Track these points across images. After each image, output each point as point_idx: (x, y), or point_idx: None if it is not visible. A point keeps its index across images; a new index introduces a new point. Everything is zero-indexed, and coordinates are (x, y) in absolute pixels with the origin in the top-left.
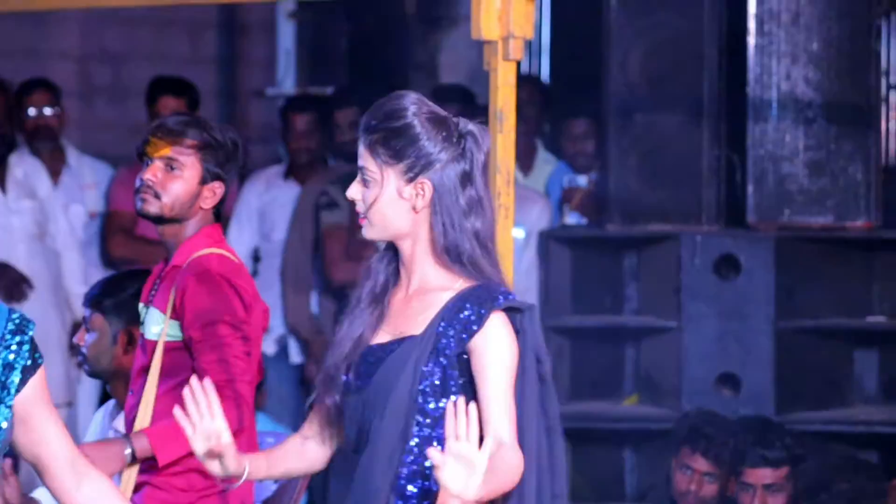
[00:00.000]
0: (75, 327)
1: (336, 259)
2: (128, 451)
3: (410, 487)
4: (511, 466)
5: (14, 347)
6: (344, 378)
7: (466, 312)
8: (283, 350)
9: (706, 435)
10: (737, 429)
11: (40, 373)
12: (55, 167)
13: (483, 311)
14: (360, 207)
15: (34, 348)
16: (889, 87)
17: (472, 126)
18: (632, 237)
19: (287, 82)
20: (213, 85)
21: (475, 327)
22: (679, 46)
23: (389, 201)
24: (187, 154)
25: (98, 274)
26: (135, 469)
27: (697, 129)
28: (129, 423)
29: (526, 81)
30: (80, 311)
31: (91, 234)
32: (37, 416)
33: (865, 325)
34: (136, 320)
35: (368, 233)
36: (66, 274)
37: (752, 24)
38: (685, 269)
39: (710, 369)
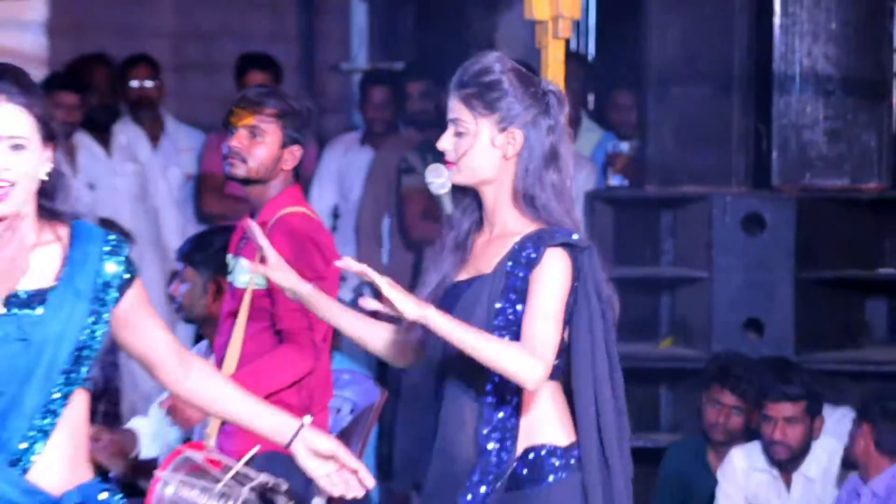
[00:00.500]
0: (173, 277)
1: (414, 219)
2: None
3: (500, 414)
4: (518, 361)
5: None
6: None
7: (528, 251)
8: (358, 297)
9: (734, 373)
10: (760, 368)
11: (137, 284)
12: (154, 134)
13: (541, 248)
14: (451, 157)
15: (129, 265)
16: None
17: (552, 86)
18: (668, 197)
19: (360, 58)
20: (293, 60)
21: (535, 263)
22: (711, 26)
23: (483, 149)
24: (268, 122)
25: (193, 229)
26: None
27: (728, 101)
28: (219, 362)
29: (572, 58)
30: (176, 264)
31: (186, 194)
32: (139, 320)
33: (876, 276)
34: (222, 271)
35: (457, 178)
36: (165, 229)
37: (777, 6)
38: (716, 226)
39: (737, 315)
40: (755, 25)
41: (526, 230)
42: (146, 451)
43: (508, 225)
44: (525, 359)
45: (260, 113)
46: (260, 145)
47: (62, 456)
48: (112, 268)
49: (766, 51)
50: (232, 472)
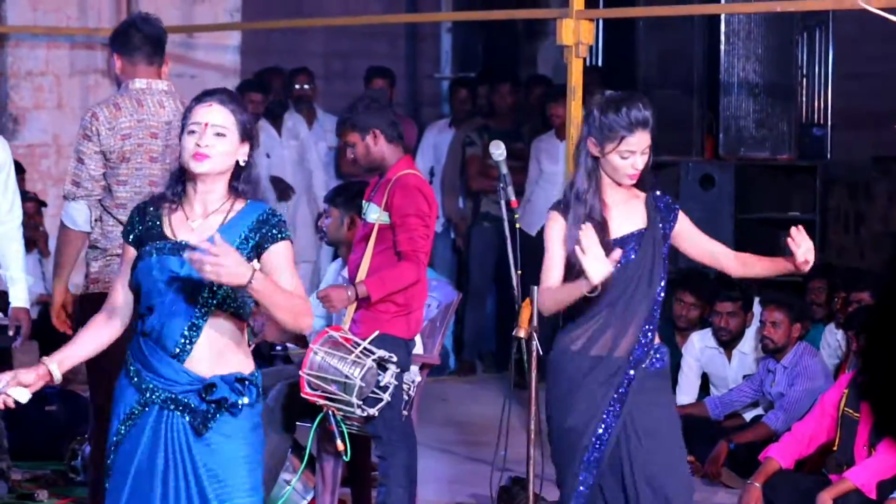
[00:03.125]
0: (319, 216)
1: (474, 175)
2: (350, 292)
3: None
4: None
5: (254, 229)
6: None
7: (664, 210)
8: (445, 230)
9: (692, 281)
10: (711, 278)
11: (280, 245)
12: (310, 120)
13: (675, 206)
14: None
15: (274, 229)
16: (802, 75)
17: None
18: (652, 164)
19: (447, 70)
20: (402, 71)
21: (674, 219)
22: (679, 49)
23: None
24: (350, 136)
25: (334, 183)
26: (353, 305)
27: (689, 99)
28: (352, 272)
29: (590, 70)
30: (322, 206)
31: (329, 159)
32: (268, 269)
33: (787, 216)
34: (356, 211)
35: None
36: (315, 184)
37: (723, 36)
38: (682, 183)
39: None
40: (708, 49)
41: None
42: None
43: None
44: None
45: (344, 135)
46: (352, 150)
47: (209, 354)
48: (254, 234)
49: (715, 66)
50: (360, 348)
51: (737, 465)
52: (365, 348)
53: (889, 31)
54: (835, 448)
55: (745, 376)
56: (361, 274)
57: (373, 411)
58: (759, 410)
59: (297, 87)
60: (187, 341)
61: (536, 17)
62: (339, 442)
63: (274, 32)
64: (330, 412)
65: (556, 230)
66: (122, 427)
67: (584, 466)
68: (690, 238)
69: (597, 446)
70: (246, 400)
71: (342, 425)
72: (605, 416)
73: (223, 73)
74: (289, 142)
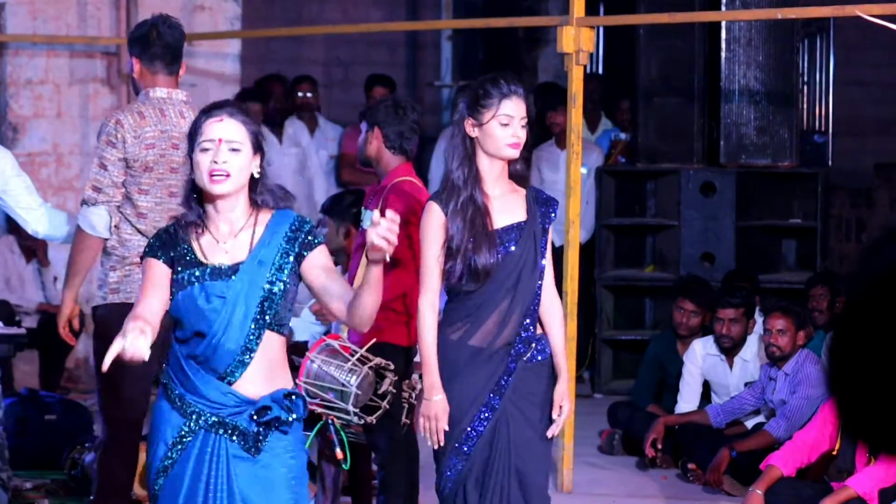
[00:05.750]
0: (317, 224)
1: None
2: None
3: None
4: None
5: (290, 240)
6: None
7: (544, 204)
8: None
9: (693, 289)
10: (712, 285)
11: (319, 249)
12: (311, 127)
13: (555, 200)
14: (520, 140)
15: (309, 236)
16: (804, 82)
17: None
18: (652, 171)
19: (446, 78)
20: (402, 79)
21: (553, 212)
22: (681, 57)
23: None
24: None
25: (334, 191)
26: None
27: (691, 107)
28: (350, 280)
29: (591, 77)
30: (319, 215)
31: (330, 168)
32: (316, 273)
33: (788, 224)
34: (351, 220)
35: (517, 151)
36: (316, 191)
37: (724, 44)
38: (683, 191)
39: (696, 250)
40: (709, 56)
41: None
42: (297, 336)
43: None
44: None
45: (360, 121)
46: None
47: (258, 376)
48: (293, 245)
49: (716, 73)
50: (357, 356)
51: (738, 472)
52: (362, 356)
53: (889, 38)
54: (836, 455)
55: (746, 384)
56: (358, 282)
57: (370, 419)
58: (760, 418)
59: (300, 94)
60: (240, 364)
61: (537, 25)
62: (338, 450)
63: (274, 41)
64: (330, 420)
65: (433, 224)
66: (172, 452)
67: (456, 452)
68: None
69: (472, 436)
70: (295, 416)
71: (342, 433)
72: (483, 409)
73: (223, 82)
74: (289, 149)
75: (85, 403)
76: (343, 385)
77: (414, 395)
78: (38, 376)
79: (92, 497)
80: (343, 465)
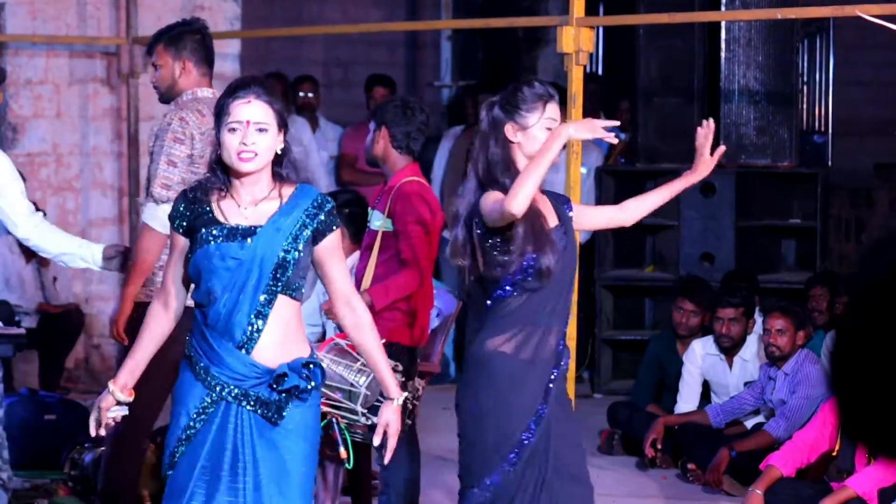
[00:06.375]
0: None
1: None
2: None
3: None
4: None
5: (311, 216)
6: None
7: (562, 203)
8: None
9: (692, 289)
10: (712, 285)
11: (334, 234)
12: (312, 127)
13: (566, 196)
14: None
15: (329, 217)
16: (803, 83)
17: None
18: (651, 171)
19: (446, 78)
20: (402, 78)
21: (569, 209)
22: (680, 57)
23: None
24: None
25: (334, 191)
26: None
27: (690, 107)
28: (358, 280)
29: (589, 77)
30: None
31: (331, 168)
32: (328, 262)
33: (788, 224)
34: (343, 220)
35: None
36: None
37: (723, 44)
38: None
39: (696, 250)
40: (708, 57)
41: None
42: None
43: None
44: None
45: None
46: (369, 137)
47: (274, 342)
48: (312, 221)
49: (716, 73)
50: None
51: (738, 472)
52: None
53: (889, 38)
54: (835, 455)
55: (746, 383)
56: (366, 282)
57: (377, 420)
58: (760, 418)
59: (301, 94)
60: (254, 329)
61: (536, 25)
62: (342, 450)
63: (274, 41)
64: (334, 420)
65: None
66: (195, 422)
67: (503, 462)
68: (584, 215)
69: (525, 444)
70: (313, 384)
71: (346, 433)
72: (532, 419)
73: (223, 82)
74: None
75: (85, 403)
76: (352, 385)
77: (417, 396)
78: (38, 376)
79: (98, 496)
80: (346, 465)
